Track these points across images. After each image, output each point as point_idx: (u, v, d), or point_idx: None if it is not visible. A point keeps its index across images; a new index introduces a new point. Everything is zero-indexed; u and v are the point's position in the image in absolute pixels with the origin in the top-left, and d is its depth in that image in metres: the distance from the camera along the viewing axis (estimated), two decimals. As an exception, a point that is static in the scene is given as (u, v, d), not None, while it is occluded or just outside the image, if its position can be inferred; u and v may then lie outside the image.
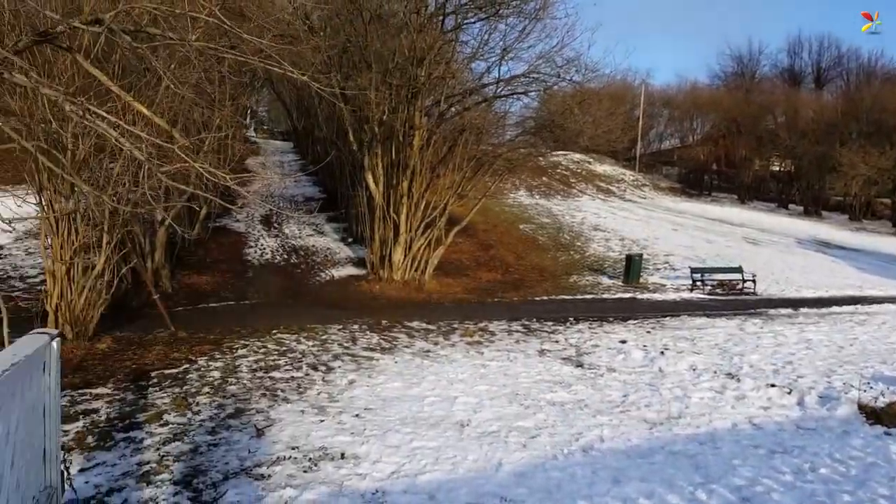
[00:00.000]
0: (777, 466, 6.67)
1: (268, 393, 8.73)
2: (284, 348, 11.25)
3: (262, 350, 11.05)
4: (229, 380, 9.25)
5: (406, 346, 11.85)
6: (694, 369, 10.67)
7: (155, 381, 9.10)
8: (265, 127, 54.07)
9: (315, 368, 10.09)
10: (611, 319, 15.62)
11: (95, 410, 7.82)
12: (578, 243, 27.71)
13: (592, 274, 23.05)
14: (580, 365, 10.94)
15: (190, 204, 13.42)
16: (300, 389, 8.99)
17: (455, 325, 13.95)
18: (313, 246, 22.83)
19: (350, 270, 20.31)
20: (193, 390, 8.72)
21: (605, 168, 48.65)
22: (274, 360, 10.40)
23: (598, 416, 8.27)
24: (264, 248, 21.84)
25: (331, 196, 29.43)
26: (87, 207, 10.98)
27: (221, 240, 22.09)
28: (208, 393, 8.62)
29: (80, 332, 10.94)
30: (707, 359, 11.24)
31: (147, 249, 16.38)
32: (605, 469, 6.60)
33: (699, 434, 7.75)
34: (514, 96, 18.31)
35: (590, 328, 14.47)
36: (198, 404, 8.16)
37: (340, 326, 13.23)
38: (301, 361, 10.44)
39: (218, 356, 10.54)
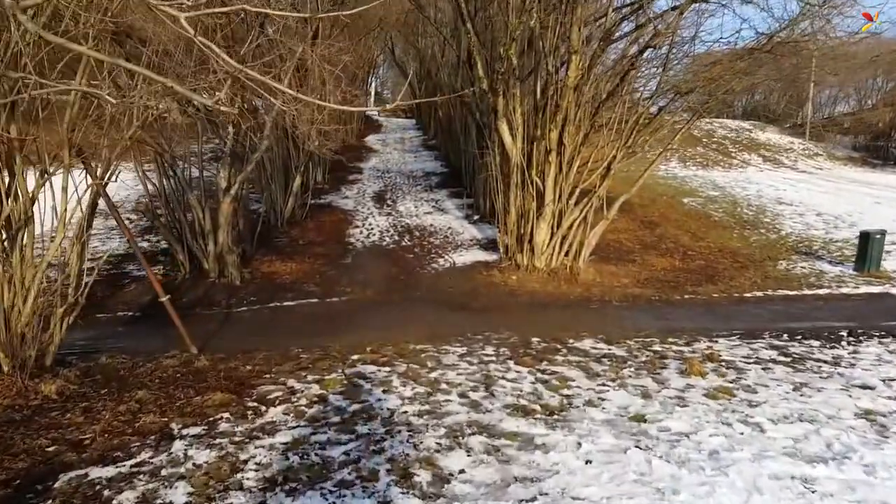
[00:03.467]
0: None
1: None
2: (359, 405, 5.50)
3: (316, 407, 5.38)
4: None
5: (590, 404, 5.71)
6: None
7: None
8: (388, 105, 49.47)
9: (406, 478, 4.26)
10: (903, 334, 8.77)
11: None
12: (766, 219, 20.18)
13: (804, 259, 15.75)
14: None
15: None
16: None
17: (656, 347, 7.72)
18: (431, 225, 17.18)
19: (476, 255, 14.44)
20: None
21: (768, 136, 39.35)
22: (323, 448, 4.65)
23: None
24: (372, 229, 16.48)
25: (454, 170, 23.93)
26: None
27: (323, 218, 17.02)
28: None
29: (22, 361, 5.81)
30: None
31: (207, 228, 11.43)
32: None
33: None
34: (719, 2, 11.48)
35: (890, 352, 7.79)
36: None
37: (463, 349, 7.39)
38: (382, 451, 4.60)
39: (219, 429, 4.99)
